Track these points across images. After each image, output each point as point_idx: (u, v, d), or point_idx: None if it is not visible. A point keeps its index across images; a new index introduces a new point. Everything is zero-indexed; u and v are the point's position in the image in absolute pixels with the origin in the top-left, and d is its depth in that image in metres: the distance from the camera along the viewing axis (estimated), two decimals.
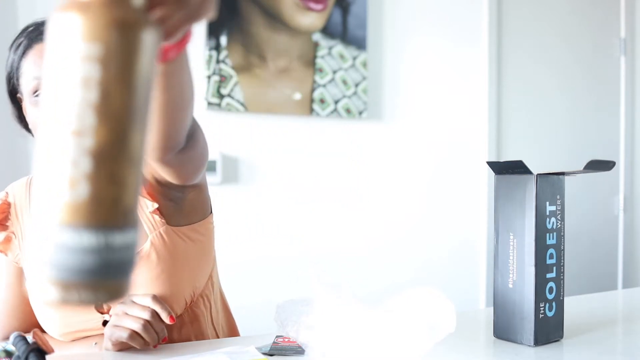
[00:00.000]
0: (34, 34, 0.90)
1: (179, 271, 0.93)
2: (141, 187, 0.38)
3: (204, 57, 2.07)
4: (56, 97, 0.34)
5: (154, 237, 0.92)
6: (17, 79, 0.91)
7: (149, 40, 0.36)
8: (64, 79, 0.34)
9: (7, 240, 0.99)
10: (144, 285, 0.90)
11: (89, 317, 0.93)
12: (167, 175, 0.87)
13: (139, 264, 0.90)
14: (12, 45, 0.92)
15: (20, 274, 1.00)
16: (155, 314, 0.85)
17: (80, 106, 0.34)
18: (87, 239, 0.34)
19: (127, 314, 0.85)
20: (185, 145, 0.80)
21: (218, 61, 2.08)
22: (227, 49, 2.10)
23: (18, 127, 0.98)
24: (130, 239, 0.36)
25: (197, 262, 0.99)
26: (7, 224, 0.99)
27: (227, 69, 2.10)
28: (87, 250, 0.34)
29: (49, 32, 0.35)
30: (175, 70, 0.62)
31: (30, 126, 0.93)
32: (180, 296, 0.94)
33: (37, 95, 0.87)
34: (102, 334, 0.93)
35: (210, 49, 2.07)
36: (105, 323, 0.93)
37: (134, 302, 0.86)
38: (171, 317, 0.85)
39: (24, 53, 0.90)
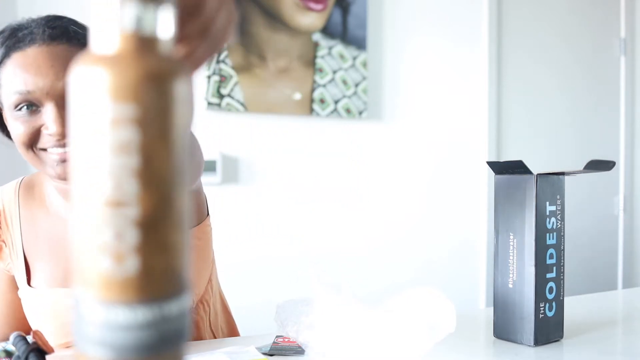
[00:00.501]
0: (11, 41, 0.82)
1: None
2: (190, 248, 0.35)
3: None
4: (89, 166, 0.31)
5: None
6: None
7: (184, 89, 0.32)
8: (97, 145, 0.30)
9: None
10: None
11: None
12: None
13: None
14: None
15: (12, 282, 0.97)
16: None
17: (119, 174, 0.30)
18: (142, 314, 0.32)
19: None
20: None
21: (218, 61, 2.08)
22: (227, 49, 2.10)
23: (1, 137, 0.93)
24: (184, 305, 0.34)
25: (195, 268, 0.97)
26: None
27: (227, 68, 2.10)
28: (143, 326, 0.32)
29: (72, 89, 0.31)
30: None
31: (13, 138, 0.86)
32: None
33: (19, 110, 0.82)
34: None
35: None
36: None
37: None
38: None
39: (1, 62, 0.83)
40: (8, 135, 0.90)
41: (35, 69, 0.80)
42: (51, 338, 0.93)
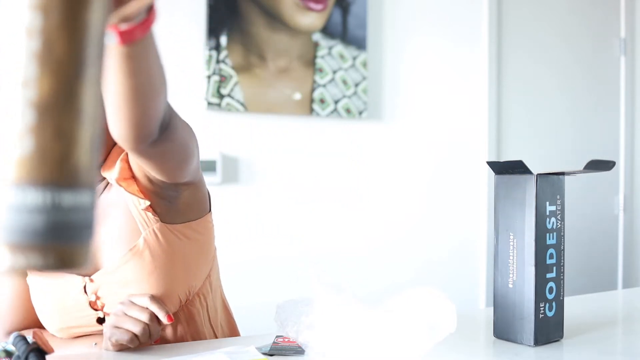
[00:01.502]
0: None
1: (173, 269, 0.93)
2: (98, 146, 0.35)
3: (204, 57, 2.07)
4: (4, 49, 0.33)
5: (147, 234, 0.92)
6: None
7: None
8: (10, 29, 0.33)
9: None
10: (137, 281, 0.90)
11: (84, 314, 0.94)
12: (150, 170, 0.86)
13: (133, 260, 0.90)
14: None
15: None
16: (153, 315, 0.85)
17: (24, 56, 0.33)
18: (32, 196, 0.32)
19: (126, 314, 0.85)
20: (161, 137, 0.77)
21: (218, 61, 2.08)
22: (227, 49, 2.10)
23: None
24: (83, 201, 0.34)
25: (193, 260, 0.98)
26: None
27: (227, 69, 2.10)
28: (32, 209, 0.32)
29: None
30: (141, 54, 0.60)
31: None
32: (174, 294, 0.94)
33: None
34: (99, 331, 0.94)
35: (210, 49, 2.07)
36: (99, 320, 0.93)
37: (132, 302, 0.86)
38: (169, 316, 0.86)
39: None
40: None
41: None
42: (53, 323, 0.95)
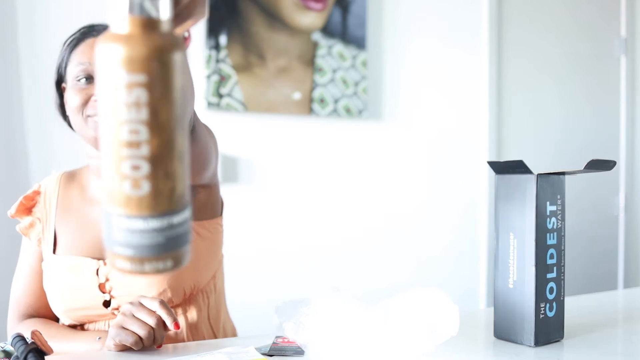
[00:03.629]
0: (87, 30, 1.01)
1: None
2: (188, 175, 0.45)
3: (204, 57, 2.06)
4: (113, 119, 0.41)
5: None
6: (65, 68, 1.01)
7: (181, 57, 0.42)
8: (117, 104, 0.41)
9: (31, 225, 1.07)
10: None
11: (92, 295, 0.98)
12: None
13: None
14: (65, 42, 1.02)
15: (40, 256, 1.07)
16: (160, 320, 0.85)
17: (134, 124, 0.41)
18: (153, 223, 0.42)
19: (134, 316, 0.85)
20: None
21: (217, 61, 2.08)
22: (226, 49, 2.09)
23: (58, 115, 1.06)
24: (185, 216, 0.45)
25: (202, 257, 1.03)
26: (34, 209, 1.08)
27: (226, 68, 2.10)
28: (155, 232, 0.42)
29: (97, 60, 0.42)
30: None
31: (68, 112, 1.01)
32: (179, 287, 0.98)
33: (79, 80, 0.98)
34: (103, 316, 0.99)
35: (210, 48, 2.06)
36: (105, 303, 0.98)
37: (141, 304, 0.87)
38: (176, 324, 0.86)
39: (75, 46, 1.00)
40: (64, 115, 1.05)
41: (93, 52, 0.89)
42: (60, 305, 1.01)
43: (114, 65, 0.40)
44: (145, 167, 0.41)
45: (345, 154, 2.34)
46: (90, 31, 1.01)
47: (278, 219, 2.23)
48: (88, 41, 0.99)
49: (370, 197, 2.39)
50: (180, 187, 0.44)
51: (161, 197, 0.42)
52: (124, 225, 0.42)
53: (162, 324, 0.86)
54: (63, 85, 1.03)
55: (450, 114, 2.53)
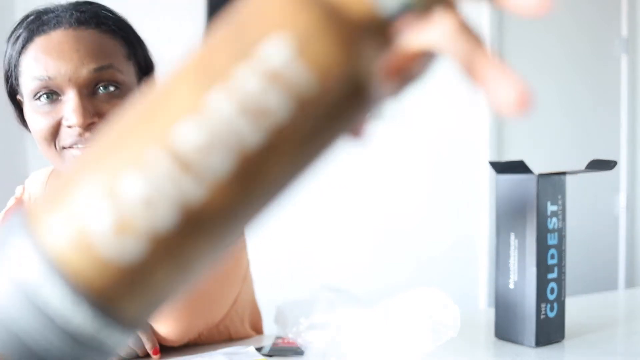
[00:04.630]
0: (35, 24, 0.76)
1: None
2: None
3: None
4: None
5: None
6: (16, 79, 0.78)
7: (358, 111, 0.27)
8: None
9: None
10: None
11: None
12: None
13: None
14: (9, 37, 0.78)
15: None
16: (140, 342, 0.81)
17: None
18: None
19: None
20: None
21: None
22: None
23: (22, 128, 0.86)
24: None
25: (215, 297, 0.93)
26: None
27: None
28: None
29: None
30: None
31: (33, 135, 0.79)
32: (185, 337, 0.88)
33: (38, 99, 0.74)
34: None
35: None
36: None
37: None
38: (155, 350, 0.81)
39: (23, 47, 0.76)
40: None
41: (58, 52, 0.73)
42: None
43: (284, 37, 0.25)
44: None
45: (344, 153, 2.33)
46: (39, 24, 0.76)
47: (278, 219, 2.22)
48: (39, 41, 0.75)
49: (370, 196, 2.39)
50: None
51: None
52: None
53: (142, 345, 0.81)
54: (18, 97, 0.81)
55: (451, 113, 2.52)
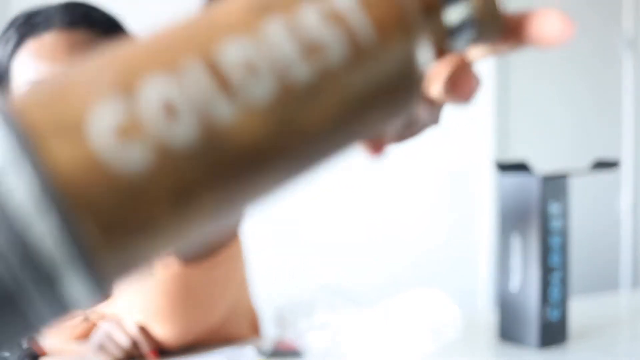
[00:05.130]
0: (26, 27, 0.74)
1: None
2: None
3: None
4: None
5: None
6: (7, 83, 0.75)
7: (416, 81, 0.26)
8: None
9: None
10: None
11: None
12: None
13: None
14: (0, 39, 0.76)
15: None
16: (135, 345, 0.80)
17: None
18: None
19: (110, 337, 0.80)
20: None
21: None
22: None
23: None
24: None
25: (214, 300, 0.91)
26: None
27: None
28: None
29: None
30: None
31: None
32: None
33: None
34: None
35: None
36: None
37: (119, 324, 0.82)
38: (153, 352, 0.80)
39: (13, 51, 0.74)
40: None
41: (50, 55, 0.72)
42: None
43: None
44: None
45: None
46: (30, 27, 0.73)
47: (276, 217, 2.22)
48: (30, 43, 0.73)
49: (370, 195, 2.38)
50: None
51: None
52: None
53: (137, 348, 0.80)
54: None
55: (454, 112, 2.52)
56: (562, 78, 2.77)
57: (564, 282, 0.87)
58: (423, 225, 2.47)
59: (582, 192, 2.72)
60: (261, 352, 0.83)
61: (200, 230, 0.23)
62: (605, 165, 0.85)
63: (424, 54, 0.26)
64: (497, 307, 0.90)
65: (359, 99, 0.24)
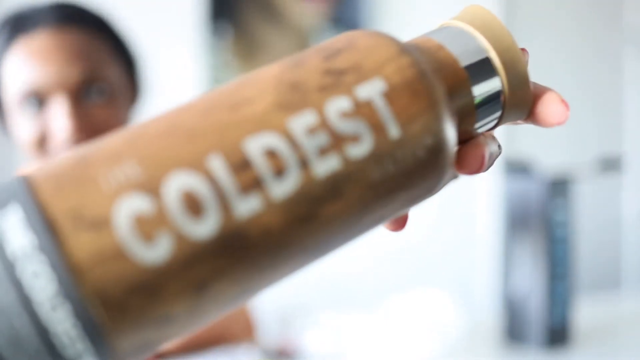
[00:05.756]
0: (16, 27, 0.72)
1: None
2: None
3: (202, 48, 2.06)
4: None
5: None
6: None
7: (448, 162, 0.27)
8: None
9: None
10: None
11: None
12: None
13: None
14: None
15: None
16: None
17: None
18: None
19: None
20: None
21: (216, 53, 2.07)
22: (225, 41, 2.09)
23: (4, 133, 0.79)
24: None
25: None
26: None
27: (224, 60, 2.09)
28: None
29: None
30: None
31: (20, 143, 0.73)
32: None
33: (23, 105, 0.69)
34: None
35: (208, 40, 2.06)
36: None
37: None
38: (156, 356, 0.78)
39: (6, 47, 0.71)
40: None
41: (43, 55, 0.70)
42: None
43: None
44: None
45: None
46: (20, 26, 0.71)
47: None
48: (21, 44, 0.70)
49: None
50: None
51: None
52: None
53: None
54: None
55: None
56: (563, 75, 2.77)
57: (568, 283, 0.87)
58: (428, 225, 2.47)
59: (587, 191, 2.71)
60: (263, 353, 0.82)
61: (213, 318, 0.23)
62: (610, 164, 0.85)
63: (450, 135, 0.26)
64: (501, 308, 0.89)
65: (384, 188, 0.24)
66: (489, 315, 1.08)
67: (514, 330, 0.88)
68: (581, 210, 2.57)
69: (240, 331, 0.98)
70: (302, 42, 2.19)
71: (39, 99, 0.70)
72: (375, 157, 0.24)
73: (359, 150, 0.23)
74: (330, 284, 0.86)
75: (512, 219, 0.88)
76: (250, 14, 2.12)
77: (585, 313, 1.06)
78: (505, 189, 0.89)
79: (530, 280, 0.86)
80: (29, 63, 0.69)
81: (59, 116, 0.70)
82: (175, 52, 2.01)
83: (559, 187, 0.86)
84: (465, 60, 0.27)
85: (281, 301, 0.84)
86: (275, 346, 0.85)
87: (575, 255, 0.92)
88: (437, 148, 0.25)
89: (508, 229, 0.89)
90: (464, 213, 2.54)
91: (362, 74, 0.24)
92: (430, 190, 0.26)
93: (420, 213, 2.45)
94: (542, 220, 0.84)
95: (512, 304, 0.88)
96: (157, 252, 0.20)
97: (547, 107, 0.29)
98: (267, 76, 0.24)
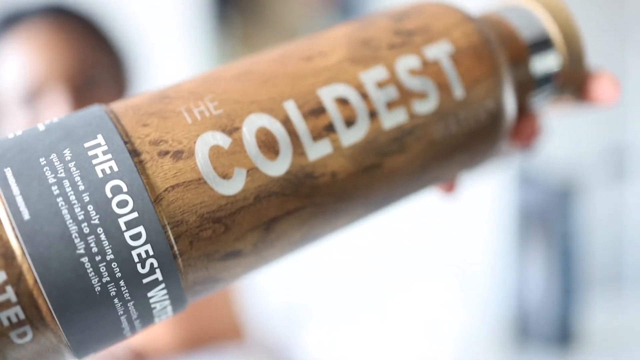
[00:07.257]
0: (4, 22, 0.70)
1: None
2: None
3: (207, 41, 2.06)
4: None
5: None
6: None
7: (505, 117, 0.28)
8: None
9: None
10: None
11: None
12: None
13: None
14: None
15: None
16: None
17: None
18: None
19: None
20: None
21: (221, 42, 2.08)
22: (228, 36, 2.09)
23: None
24: None
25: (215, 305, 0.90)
26: None
27: (233, 42, 2.09)
28: None
29: None
30: None
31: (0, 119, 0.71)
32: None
33: (14, 101, 0.67)
34: None
35: (214, 31, 2.06)
36: None
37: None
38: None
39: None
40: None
41: (37, 47, 0.69)
42: None
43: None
44: None
45: None
46: (9, 22, 0.70)
47: None
48: (10, 37, 0.68)
49: None
50: None
51: None
52: None
53: None
54: None
55: None
56: None
57: (580, 284, 0.89)
58: (434, 226, 2.46)
59: (597, 194, 2.70)
60: (263, 353, 0.82)
61: (274, 262, 0.24)
62: (617, 166, 0.86)
63: (509, 103, 0.27)
64: (514, 307, 0.91)
65: (444, 146, 0.26)
66: (501, 314, 1.09)
67: (526, 329, 0.90)
68: (591, 212, 2.56)
69: (229, 332, 0.96)
70: (304, 28, 2.18)
71: (30, 93, 0.67)
72: (439, 114, 0.25)
73: (425, 107, 0.25)
74: (331, 284, 0.85)
75: (526, 219, 0.90)
76: (258, 1, 2.12)
77: (600, 312, 1.07)
78: (519, 190, 0.91)
79: (543, 281, 0.87)
80: (19, 56, 0.68)
81: (52, 109, 0.68)
82: (181, 41, 2.01)
83: (571, 189, 0.87)
84: (526, 34, 0.29)
85: (281, 301, 0.83)
86: (275, 346, 0.85)
87: (586, 255, 0.93)
88: (497, 113, 0.26)
89: (522, 229, 0.90)
90: (474, 213, 2.54)
91: (430, 36, 0.26)
92: (485, 155, 0.27)
93: (429, 214, 2.45)
94: (556, 221, 0.87)
95: (525, 303, 0.89)
96: (233, 185, 0.22)
97: (601, 85, 0.30)
98: (339, 34, 0.26)
